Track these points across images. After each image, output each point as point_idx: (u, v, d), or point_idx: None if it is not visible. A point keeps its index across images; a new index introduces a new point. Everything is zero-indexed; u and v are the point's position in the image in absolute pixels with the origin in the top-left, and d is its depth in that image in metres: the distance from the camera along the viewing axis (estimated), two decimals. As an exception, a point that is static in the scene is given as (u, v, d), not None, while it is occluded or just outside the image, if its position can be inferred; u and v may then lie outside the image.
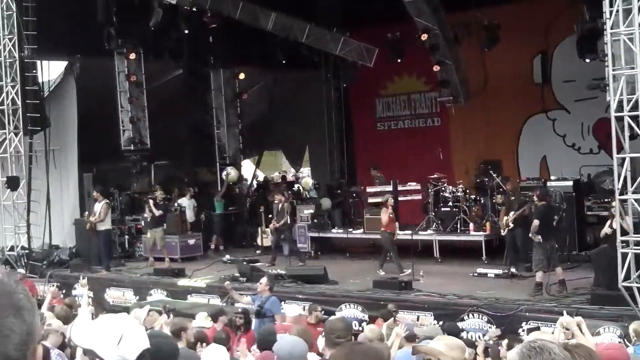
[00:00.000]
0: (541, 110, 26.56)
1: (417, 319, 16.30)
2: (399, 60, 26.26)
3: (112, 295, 21.87)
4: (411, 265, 19.90)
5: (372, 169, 26.39)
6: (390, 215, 20.77)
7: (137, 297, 20.99)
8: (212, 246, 26.38)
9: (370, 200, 24.94)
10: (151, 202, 24.00)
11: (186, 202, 26.26)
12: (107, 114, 26.20)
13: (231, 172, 27.03)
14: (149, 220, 24.22)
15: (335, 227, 25.32)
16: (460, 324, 15.83)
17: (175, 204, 26.02)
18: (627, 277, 14.89)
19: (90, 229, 23.20)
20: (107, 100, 26.32)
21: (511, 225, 19.31)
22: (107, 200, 23.52)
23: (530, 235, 17.40)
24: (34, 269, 23.68)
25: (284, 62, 28.01)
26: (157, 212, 23.86)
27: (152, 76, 27.06)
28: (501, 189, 21.60)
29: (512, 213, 19.39)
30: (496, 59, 25.70)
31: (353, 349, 4.37)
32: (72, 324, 10.29)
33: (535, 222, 17.27)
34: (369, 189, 25.47)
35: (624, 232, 15.28)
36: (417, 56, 25.10)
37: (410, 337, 10.21)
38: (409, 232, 21.89)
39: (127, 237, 26.05)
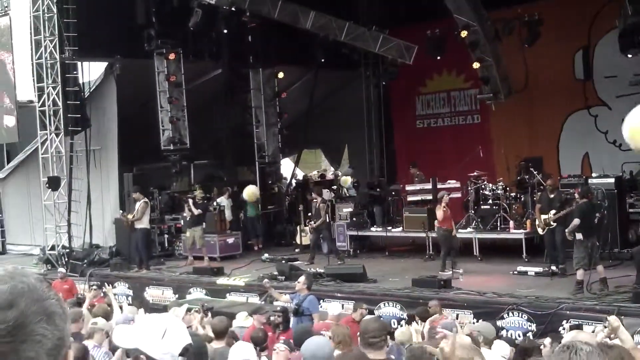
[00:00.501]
0: (583, 107, 26.25)
1: (457, 317, 16.14)
2: (438, 58, 26.13)
3: (152, 293, 21.95)
4: (450, 263, 19.79)
5: (411, 167, 26.30)
6: (445, 212, 20.57)
7: (177, 296, 21.06)
8: (256, 247, 26.41)
9: (410, 198, 24.83)
10: (190, 201, 24.09)
11: (225, 202, 26.33)
12: (147, 114, 26.36)
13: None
14: (188, 219, 24.31)
15: (375, 226, 25.17)
16: (499, 322, 15.74)
17: (214, 203, 26.06)
18: (669, 274, 14.69)
19: (128, 226, 23.40)
20: (147, 100, 26.52)
21: (553, 224, 19.06)
22: (146, 200, 23.64)
23: (566, 232, 17.23)
24: (74, 268, 23.89)
25: (323, 60, 27.95)
26: (196, 211, 23.95)
27: (191, 76, 27.12)
28: (542, 186, 21.34)
29: (552, 211, 19.14)
30: (537, 55, 25.44)
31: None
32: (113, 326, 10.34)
33: (576, 221, 17.06)
34: (408, 187, 25.35)
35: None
36: (457, 53, 24.92)
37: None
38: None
39: (166, 236, 26.21)
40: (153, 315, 3.80)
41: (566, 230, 17.25)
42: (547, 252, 19.69)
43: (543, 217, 19.35)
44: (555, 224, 18.97)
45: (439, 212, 20.63)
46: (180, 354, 3.65)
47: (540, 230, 19.55)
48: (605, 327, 7.26)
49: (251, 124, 29.54)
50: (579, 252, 16.97)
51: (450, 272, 19.68)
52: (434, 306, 14.74)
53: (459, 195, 23.82)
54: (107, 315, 12.66)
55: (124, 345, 3.61)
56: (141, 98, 26.64)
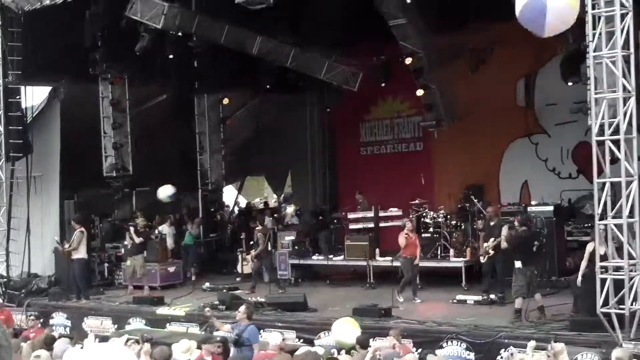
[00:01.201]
0: (524, 134, 26.49)
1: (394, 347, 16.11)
2: (383, 85, 26.24)
3: (91, 324, 21.59)
4: (391, 292, 19.77)
5: (357, 194, 26.30)
6: (408, 239, 20.43)
7: (116, 326, 20.78)
8: (193, 278, 26.12)
9: (352, 226, 24.82)
10: (132, 229, 23.84)
11: (167, 229, 26.09)
12: (91, 140, 26.01)
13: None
14: (129, 247, 24.06)
15: (317, 254, 25.09)
16: (439, 352, 15.75)
17: (156, 231, 25.81)
18: (605, 303, 14.79)
19: (66, 257, 23.06)
20: (91, 125, 26.13)
21: (491, 252, 19.18)
22: (82, 229, 23.24)
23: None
24: (12, 298, 23.48)
25: (268, 86, 27.97)
26: (138, 240, 23.68)
27: (137, 101, 26.94)
28: (482, 214, 21.45)
29: (491, 240, 19.26)
30: (481, 82, 25.65)
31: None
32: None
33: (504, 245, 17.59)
34: (350, 215, 25.34)
35: (603, 258, 15.19)
36: (403, 80, 25.09)
37: None
38: (389, 258, 21.69)
39: (107, 265, 25.85)
40: (104, 347, 3.71)
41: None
42: (485, 280, 19.78)
43: (485, 245, 19.48)
44: (493, 252, 19.09)
45: (401, 239, 20.55)
46: None
47: (481, 259, 19.66)
48: (549, 355, 7.32)
49: (195, 150, 29.37)
50: (518, 281, 17.08)
51: (402, 300, 19.76)
52: (394, 334, 14.75)
53: (400, 223, 23.83)
54: (48, 345, 12.50)
55: None
56: (85, 123, 26.31)
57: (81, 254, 23.02)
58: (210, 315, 17.22)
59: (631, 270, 14.73)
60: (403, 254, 20.53)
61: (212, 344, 13.88)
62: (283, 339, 15.85)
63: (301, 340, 17.72)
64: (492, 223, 19.81)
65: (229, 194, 33.78)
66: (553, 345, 6.89)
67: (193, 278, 25.64)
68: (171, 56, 25.60)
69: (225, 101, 29.70)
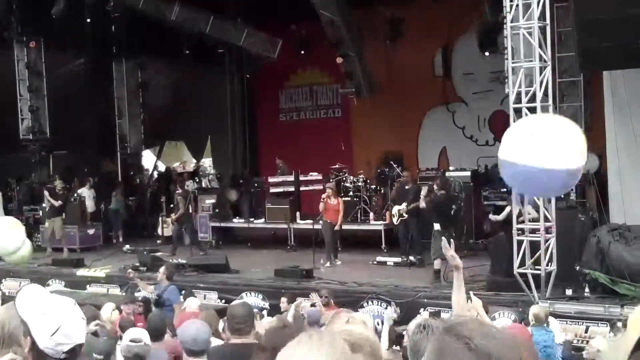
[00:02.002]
0: (442, 103, 26.93)
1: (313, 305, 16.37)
2: (302, 52, 26.36)
3: (9, 285, 21.41)
4: (312, 255, 20.05)
5: (277, 159, 26.42)
6: (327, 203, 20.58)
7: (36, 288, 20.60)
8: (115, 241, 26.10)
9: (273, 190, 24.99)
10: (46, 192, 23.68)
11: (86, 192, 25.89)
12: (6, 103, 25.64)
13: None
14: (47, 210, 23.86)
15: (237, 217, 25.22)
16: (360, 311, 16.03)
17: (75, 194, 25.62)
18: (522, 264, 15.27)
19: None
20: (6, 89, 25.78)
21: (405, 215, 19.51)
22: None
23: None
24: None
25: (187, 52, 27.86)
26: (56, 202, 23.52)
27: (53, 65, 26.61)
28: (400, 179, 21.81)
29: (404, 204, 19.57)
30: (399, 53, 25.98)
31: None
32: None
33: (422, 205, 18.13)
34: (271, 179, 25.50)
35: (520, 221, 15.66)
36: (322, 49, 25.19)
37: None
38: (310, 221, 21.92)
39: (25, 227, 25.52)
40: (58, 301, 3.70)
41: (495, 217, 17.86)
42: (401, 243, 20.14)
43: (397, 207, 19.78)
44: (407, 215, 19.42)
45: (320, 205, 20.82)
46: (65, 352, 3.58)
47: (394, 220, 19.97)
48: (469, 309, 7.56)
49: (114, 115, 29.16)
50: (437, 243, 17.42)
51: (328, 264, 20.09)
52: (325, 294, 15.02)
53: (320, 187, 24.09)
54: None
55: (21, 312, 3.57)
56: (0, 86, 25.96)
57: (-5, 216, 22.78)
58: (133, 276, 17.26)
59: (547, 232, 15.22)
60: (324, 217, 20.81)
61: (134, 304, 13.93)
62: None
63: (223, 301, 17.86)
64: (407, 187, 20.08)
65: (148, 159, 33.63)
66: (473, 299, 7.21)
67: (121, 239, 25.74)
68: (88, 20, 25.32)
69: (144, 67, 29.44)
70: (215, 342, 7.91)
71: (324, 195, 20.80)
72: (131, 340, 6.97)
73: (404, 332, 10.64)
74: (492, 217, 18.04)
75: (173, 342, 8.46)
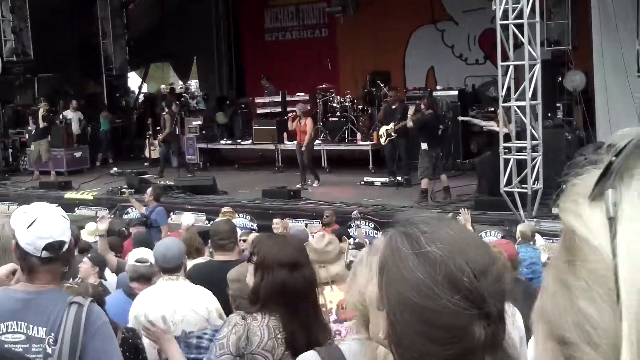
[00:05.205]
0: (430, 21, 26.65)
1: (306, 227, 16.43)
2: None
3: (-4, 209, 21.46)
4: (300, 175, 20.07)
5: (263, 79, 26.25)
6: (297, 125, 20.52)
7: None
8: (98, 163, 25.99)
9: (259, 110, 24.89)
10: (30, 117, 23.57)
11: (71, 115, 25.71)
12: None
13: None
14: (33, 132, 23.74)
15: (224, 139, 25.14)
16: (349, 231, 16.11)
17: (60, 116, 25.44)
18: (509, 182, 15.32)
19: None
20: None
21: (393, 135, 19.42)
22: None
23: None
24: None
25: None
26: (42, 124, 23.39)
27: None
28: (387, 99, 21.70)
29: (392, 124, 19.49)
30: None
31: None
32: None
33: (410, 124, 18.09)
34: (258, 100, 25.38)
35: (507, 139, 15.66)
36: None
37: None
38: (296, 142, 21.87)
39: (10, 150, 25.53)
40: (40, 204, 3.76)
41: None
42: (388, 163, 20.12)
43: (384, 127, 19.70)
44: (395, 135, 19.34)
45: (289, 124, 20.77)
46: (44, 249, 3.59)
47: (382, 141, 19.91)
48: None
49: (97, 35, 28.83)
50: (424, 162, 17.48)
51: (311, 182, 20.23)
52: (331, 214, 15.20)
53: (307, 107, 24.00)
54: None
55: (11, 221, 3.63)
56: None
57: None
58: (127, 195, 17.31)
59: (533, 151, 15.24)
60: (299, 141, 20.68)
61: (141, 226, 14.02)
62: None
63: (210, 223, 17.87)
64: (393, 107, 19.99)
65: (134, 81, 33.39)
66: (462, 213, 7.35)
67: (110, 161, 25.80)
68: None
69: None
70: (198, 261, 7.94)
71: (290, 115, 20.78)
72: (137, 261, 6.95)
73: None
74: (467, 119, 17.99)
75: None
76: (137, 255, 7.14)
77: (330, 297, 5.54)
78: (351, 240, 12.91)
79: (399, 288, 1.55)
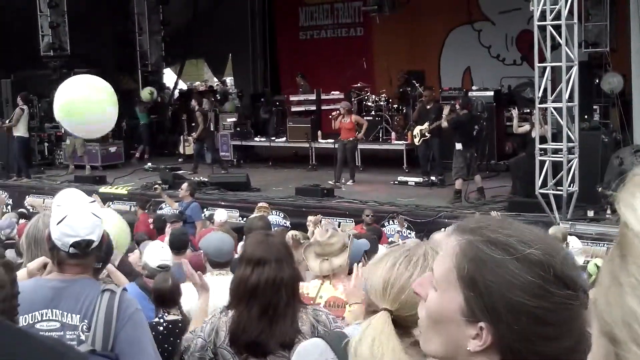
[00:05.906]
0: (467, 22, 26.55)
1: (339, 226, 16.41)
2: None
3: (32, 202, 21.58)
4: (333, 174, 20.05)
5: (297, 76, 26.28)
6: (340, 123, 20.52)
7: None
8: (138, 155, 26.13)
9: (294, 108, 24.90)
10: None
11: (107, 109, 25.79)
12: (26, 19, 25.52)
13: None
14: (69, 127, 23.82)
15: (259, 136, 25.17)
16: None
17: (96, 111, 25.51)
18: (544, 184, 15.24)
19: (7, 135, 22.90)
20: (26, 4, 25.63)
21: (428, 135, 19.36)
22: (22, 107, 23.02)
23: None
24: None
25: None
26: (78, 119, 23.48)
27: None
28: (422, 99, 21.65)
29: (427, 123, 19.43)
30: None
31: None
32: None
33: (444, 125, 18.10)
34: (292, 98, 25.40)
35: (543, 141, 15.59)
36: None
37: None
38: (332, 140, 21.83)
39: (46, 144, 25.71)
40: (77, 197, 3.81)
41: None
42: (422, 163, 20.07)
43: (419, 127, 19.67)
44: (429, 135, 19.28)
45: (333, 123, 20.78)
46: (71, 246, 3.62)
47: (416, 141, 19.86)
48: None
49: (134, 31, 28.97)
50: (458, 162, 17.44)
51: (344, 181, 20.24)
52: (371, 214, 15.22)
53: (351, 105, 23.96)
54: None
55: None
56: (19, 2, 25.77)
57: (21, 131, 22.85)
58: (160, 192, 17.35)
59: (570, 153, 15.15)
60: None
61: (179, 222, 14.04)
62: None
63: (244, 219, 17.92)
64: (428, 107, 19.94)
65: (169, 77, 33.51)
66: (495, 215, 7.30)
67: (146, 156, 25.86)
68: None
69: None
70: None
71: (334, 114, 20.76)
72: (158, 267, 6.97)
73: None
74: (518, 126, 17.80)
75: (195, 257, 8.51)
76: (155, 257, 7.13)
77: (321, 292, 5.60)
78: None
79: (507, 295, 1.56)
